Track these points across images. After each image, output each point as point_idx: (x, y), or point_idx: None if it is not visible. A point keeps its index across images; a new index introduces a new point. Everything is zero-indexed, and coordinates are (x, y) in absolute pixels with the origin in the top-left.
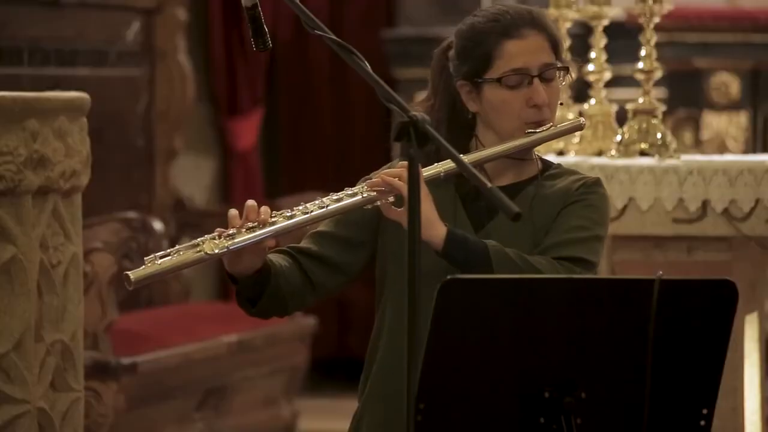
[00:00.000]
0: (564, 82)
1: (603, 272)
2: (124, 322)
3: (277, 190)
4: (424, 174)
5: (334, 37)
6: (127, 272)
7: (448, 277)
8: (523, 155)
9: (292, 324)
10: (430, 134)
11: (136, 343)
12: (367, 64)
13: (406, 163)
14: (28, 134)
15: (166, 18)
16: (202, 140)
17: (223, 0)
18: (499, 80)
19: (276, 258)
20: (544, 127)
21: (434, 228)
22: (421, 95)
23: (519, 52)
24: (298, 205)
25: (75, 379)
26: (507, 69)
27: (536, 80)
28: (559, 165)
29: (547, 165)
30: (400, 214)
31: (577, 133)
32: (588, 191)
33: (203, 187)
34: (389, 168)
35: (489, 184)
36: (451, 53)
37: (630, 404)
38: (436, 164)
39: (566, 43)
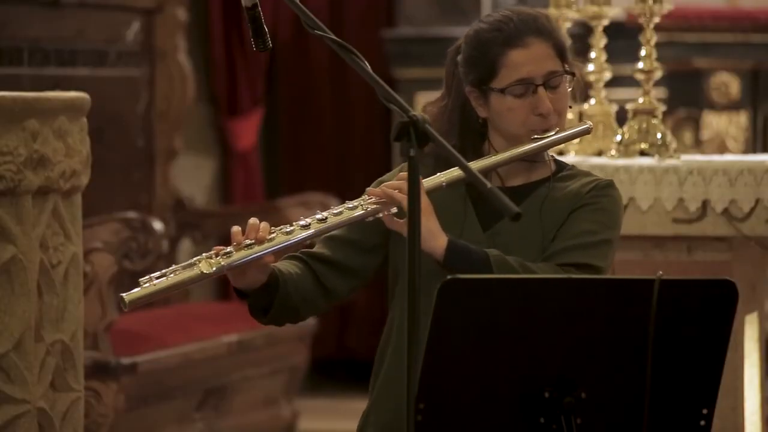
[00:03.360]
0: (571, 87)
1: None
2: (124, 322)
3: (277, 190)
4: (426, 185)
5: (334, 37)
6: (122, 294)
7: (448, 277)
8: (534, 157)
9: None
10: (430, 134)
11: (136, 343)
12: (367, 64)
13: (406, 174)
14: (28, 134)
15: (166, 18)
16: (202, 140)
17: (223, 0)
18: (503, 90)
19: (287, 265)
20: (550, 133)
21: (435, 239)
22: (423, 95)
23: (523, 61)
24: (297, 219)
25: (75, 379)
26: (512, 79)
27: (541, 89)
28: (573, 166)
29: (561, 166)
30: (402, 226)
31: None
32: (599, 194)
33: (203, 187)
34: (399, 173)
35: (489, 185)
36: (460, 58)
37: (630, 404)
38: (438, 174)
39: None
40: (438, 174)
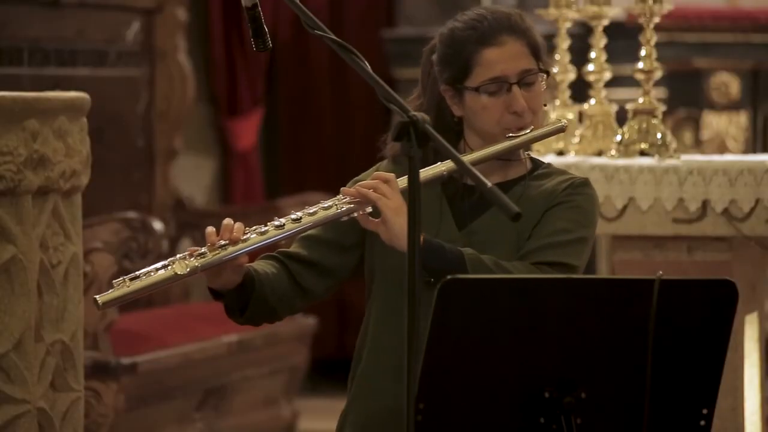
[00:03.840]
0: (545, 85)
1: (603, 272)
2: (124, 322)
3: (277, 190)
4: (401, 184)
5: (334, 37)
6: (95, 296)
7: (448, 277)
8: (509, 155)
9: (292, 324)
10: (430, 134)
11: (136, 343)
12: (367, 64)
13: (381, 173)
14: (28, 134)
15: (166, 18)
16: (202, 140)
17: (223, 0)
18: (477, 89)
19: (263, 265)
20: (525, 131)
21: None
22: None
23: (497, 59)
24: (280, 217)
25: (75, 379)
26: (486, 77)
27: (515, 87)
28: (548, 165)
29: (536, 165)
30: (377, 225)
31: (577, 133)
32: (574, 192)
33: (203, 187)
34: (377, 172)
35: (489, 184)
36: (434, 57)
37: (630, 404)
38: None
39: (566, 43)
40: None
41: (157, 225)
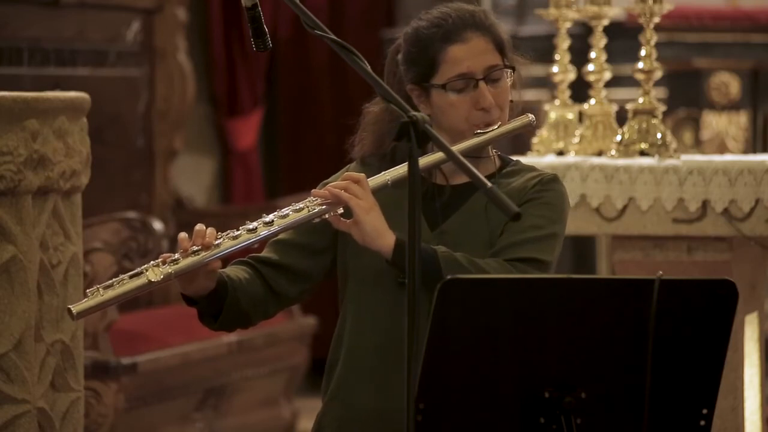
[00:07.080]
0: (512, 81)
1: (603, 272)
2: (124, 322)
3: (277, 190)
4: (372, 184)
5: (333, 37)
6: (69, 306)
7: (448, 277)
8: (478, 153)
9: (292, 324)
10: (430, 134)
11: (136, 343)
12: (367, 64)
13: (351, 174)
14: (28, 134)
15: (166, 18)
16: (202, 140)
17: (223, 0)
18: (444, 86)
19: (235, 271)
20: (493, 127)
21: (383, 237)
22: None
23: (462, 56)
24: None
25: (75, 379)
26: (452, 74)
27: (481, 83)
28: (517, 162)
29: (505, 162)
30: (350, 225)
31: (577, 133)
32: (544, 188)
33: (203, 187)
34: (346, 173)
35: (489, 184)
36: (399, 57)
37: (630, 404)
38: (383, 173)
39: (566, 43)
40: (383, 173)
41: (157, 225)
